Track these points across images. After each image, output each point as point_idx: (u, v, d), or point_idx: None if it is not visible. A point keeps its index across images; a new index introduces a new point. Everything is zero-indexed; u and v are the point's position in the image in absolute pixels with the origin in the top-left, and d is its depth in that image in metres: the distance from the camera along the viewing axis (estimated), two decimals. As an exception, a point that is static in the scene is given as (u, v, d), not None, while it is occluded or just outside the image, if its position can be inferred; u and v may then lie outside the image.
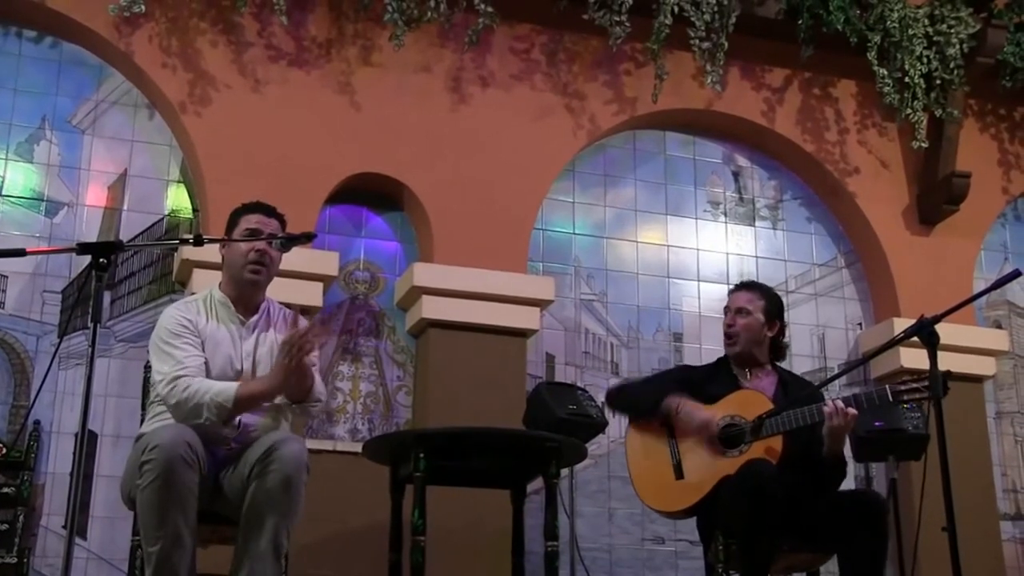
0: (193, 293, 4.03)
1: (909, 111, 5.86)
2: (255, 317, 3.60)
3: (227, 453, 3.39)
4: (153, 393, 3.49)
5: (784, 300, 4.33)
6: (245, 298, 3.61)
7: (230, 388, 3.34)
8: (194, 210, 5.23)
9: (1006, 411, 6.20)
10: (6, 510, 4.53)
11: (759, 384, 4.09)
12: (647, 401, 4.06)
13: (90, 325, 2.76)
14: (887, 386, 3.87)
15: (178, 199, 5.25)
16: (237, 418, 3.41)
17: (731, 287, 4.35)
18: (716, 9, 5.57)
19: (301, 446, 3.31)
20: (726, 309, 4.20)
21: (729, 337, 4.14)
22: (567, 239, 5.80)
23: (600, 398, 4.60)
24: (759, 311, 4.11)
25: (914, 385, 3.76)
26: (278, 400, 3.49)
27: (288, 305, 3.71)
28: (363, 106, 5.38)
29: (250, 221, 3.59)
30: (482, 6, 5.25)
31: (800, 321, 5.99)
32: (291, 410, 3.54)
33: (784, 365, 4.32)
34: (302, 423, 3.63)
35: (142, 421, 3.64)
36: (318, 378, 3.56)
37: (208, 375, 3.42)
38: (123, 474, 3.50)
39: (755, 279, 5.61)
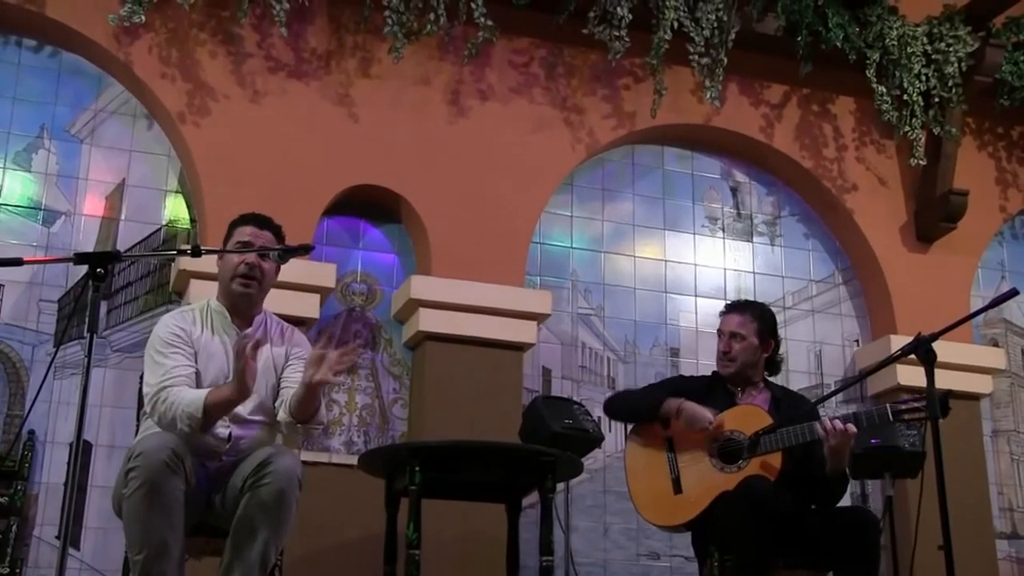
0: (190, 304, 4.01)
1: (907, 128, 5.88)
2: (251, 329, 3.58)
3: (219, 467, 3.38)
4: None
5: (780, 316, 4.33)
6: (239, 309, 3.60)
7: (199, 397, 3.30)
8: (192, 221, 5.22)
9: (1002, 429, 6.20)
10: (-1, 520, 4.52)
11: (753, 402, 4.10)
12: (647, 405, 4.07)
13: (86, 335, 2.75)
14: (887, 405, 3.88)
15: (176, 209, 5.24)
16: (228, 431, 3.40)
17: (723, 307, 4.33)
18: (716, 25, 5.58)
19: (295, 460, 3.30)
20: (719, 332, 4.19)
21: (724, 361, 4.14)
22: (565, 253, 5.79)
23: (597, 412, 4.59)
24: (753, 334, 4.11)
25: (914, 404, 3.76)
26: (280, 417, 3.47)
27: (288, 319, 3.70)
28: (362, 118, 5.38)
29: (243, 233, 3.59)
30: (482, 19, 5.26)
31: (797, 337, 5.98)
32: (293, 429, 3.50)
33: (780, 381, 4.32)
34: (296, 439, 3.60)
35: (136, 432, 3.62)
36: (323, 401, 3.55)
37: (201, 386, 3.40)
38: (114, 485, 3.49)
39: (751, 295, 5.67)
